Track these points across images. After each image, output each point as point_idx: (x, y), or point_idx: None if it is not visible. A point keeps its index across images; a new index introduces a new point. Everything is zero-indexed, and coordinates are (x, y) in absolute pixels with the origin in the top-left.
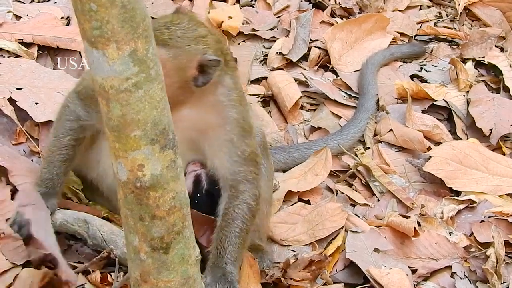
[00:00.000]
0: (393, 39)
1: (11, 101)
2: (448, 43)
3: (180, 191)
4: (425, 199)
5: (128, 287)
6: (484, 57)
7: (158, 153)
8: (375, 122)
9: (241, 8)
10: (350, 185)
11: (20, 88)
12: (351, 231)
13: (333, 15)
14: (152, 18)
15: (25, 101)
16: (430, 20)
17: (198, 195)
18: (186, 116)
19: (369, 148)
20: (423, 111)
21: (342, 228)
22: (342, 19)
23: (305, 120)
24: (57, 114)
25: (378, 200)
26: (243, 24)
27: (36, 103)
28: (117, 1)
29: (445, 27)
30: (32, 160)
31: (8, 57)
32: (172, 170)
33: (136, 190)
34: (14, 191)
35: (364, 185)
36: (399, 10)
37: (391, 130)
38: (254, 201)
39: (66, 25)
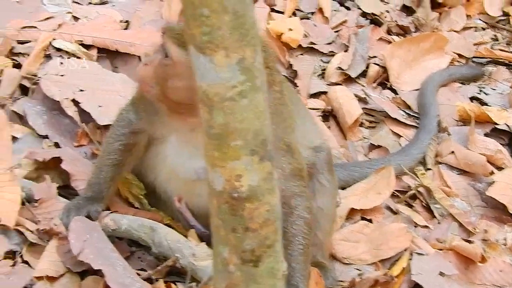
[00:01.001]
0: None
1: (74, 102)
2: (505, 67)
3: (274, 204)
4: (486, 224)
5: None
6: None
7: (256, 164)
8: (437, 144)
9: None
10: (410, 206)
11: (83, 90)
12: (416, 253)
13: (389, 32)
14: None
15: (88, 103)
16: (486, 42)
17: None
18: None
19: (430, 169)
20: (485, 135)
21: (406, 249)
22: (398, 37)
23: (364, 138)
24: (113, 121)
25: (439, 223)
26: None
27: (100, 106)
28: (229, 8)
29: (501, 50)
30: (94, 163)
31: (68, 58)
32: (268, 182)
33: (232, 200)
34: None
35: (424, 206)
36: (455, 31)
37: (452, 152)
38: (308, 213)
39: (124, 29)
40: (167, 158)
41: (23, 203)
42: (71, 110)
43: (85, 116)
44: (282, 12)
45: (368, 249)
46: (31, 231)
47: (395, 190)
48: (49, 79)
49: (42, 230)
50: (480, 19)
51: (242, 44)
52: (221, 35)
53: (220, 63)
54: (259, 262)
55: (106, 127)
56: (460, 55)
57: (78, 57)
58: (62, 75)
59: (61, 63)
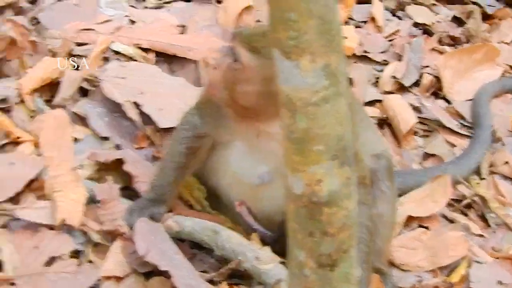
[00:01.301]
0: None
1: (135, 104)
2: None
3: (352, 210)
4: None
5: None
6: None
7: (337, 169)
8: (491, 154)
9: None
10: (465, 215)
11: (144, 93)
12: (475, 261)
13: (440, 42)
14: None
15: (149, 106)
16: None
17: None
18: None
19: (484, 179)
20: None
21: (464, 257)
22: (449, 47)
23: (418, 146)
24: (177, 125)
25: (494, 232)
26: None
27: (160, 109)
28: (316, 13)
29: None
30: (156, 165)
31: (125, 61)
32: (347, 187)
33: (311, 205)
34: None
35: (479, 216)
36: (505, 43)
37: (506, 162)
38: (370, 221)
39: (181, 34)
40: (230, 163)
41: (86, 204)
42: (133, 113)
43: (145, 118)
44: None
45: (426, 256)
46: (95, 231)
47: (450, 199)
48: (110, 81)
49: (106, 230)
50: None
51: (328, 50)
52: (308, 40)
53: (306, 67)
54: (335, 266)
55: (167, 130)
56: (511, 67)
57: (135, 60)
58: (122, 78)
59: (122, 65)
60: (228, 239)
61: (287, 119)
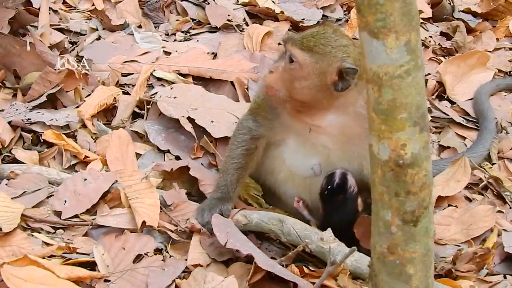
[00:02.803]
0: None
1: (190, 119)
2: None
3: (429, 170)
4: None
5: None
6: None
7: (418, 134)
8: (498, 142)
9: None
10: (483, 196)
11: (196, 109)
12: (504, 230)
13: (435, 53)
14: None
15: (202, 119)
16: None
17: (329, 187)
18: (333, 122)
19: (495, 163)
20: None
21: (493, 227)
22: (444, 57)
23: (433, 141)
24: (234, 131)
25: (511, 208)
26: None
27: (212, 121)
28: None
29: None
30: (211, 171)
31: (168, 86)
32: (426, 150)
33: (396, 167)
34: None
35: (495, 195)
36: (488, 51)
37: None
38: None
39: (213, 59)
40: (285, 159)
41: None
42: (188, 126)
43: (199, 131)
44: None
45: (459, 230)
46: (172, 231)
47: (468, 183)
48: (164, 101)
49: (181, 229)
50: (506, 41)
51: (409, 28)
52: (393, 21)
53: (391, 45)
54: (417, 222)
55: (220, 139)
56: (499, 70)
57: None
58: (174, 97)
59: (170, 88)
60: (293, 226)
61: (374, 93)
